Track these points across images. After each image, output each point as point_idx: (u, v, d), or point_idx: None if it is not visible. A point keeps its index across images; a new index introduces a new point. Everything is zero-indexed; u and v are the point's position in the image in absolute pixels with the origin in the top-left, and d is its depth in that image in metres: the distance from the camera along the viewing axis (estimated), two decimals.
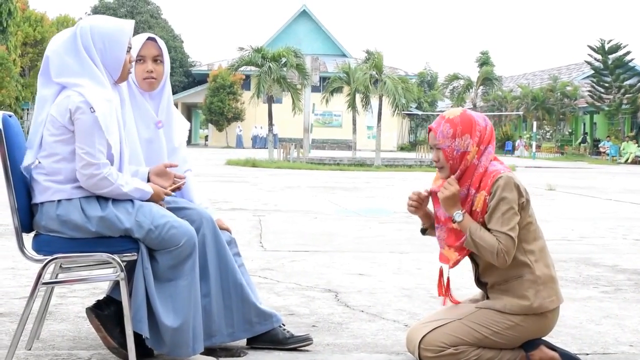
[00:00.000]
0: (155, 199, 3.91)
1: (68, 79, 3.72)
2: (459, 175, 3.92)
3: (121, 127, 3.86)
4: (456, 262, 3.99)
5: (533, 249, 3.88)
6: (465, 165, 3.90)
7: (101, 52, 3.79)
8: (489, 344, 3.86)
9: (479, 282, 4.05)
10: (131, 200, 3.83)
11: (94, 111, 3.63)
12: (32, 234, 3.86)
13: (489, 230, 3.81)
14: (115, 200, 3.78)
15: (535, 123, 53.77)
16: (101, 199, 3.77)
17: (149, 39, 4.24)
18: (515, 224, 3.78)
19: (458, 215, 3.88)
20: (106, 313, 3.97)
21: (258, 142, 61.26)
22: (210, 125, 65.04)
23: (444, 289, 4.18)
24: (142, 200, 3.86)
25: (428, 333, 3.91)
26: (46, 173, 3.74)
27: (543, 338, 4.04)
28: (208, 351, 4.05)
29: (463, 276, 5.57)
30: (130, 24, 3.92)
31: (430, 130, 4.00)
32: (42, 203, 3.75)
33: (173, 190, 4.03)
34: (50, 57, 3.79)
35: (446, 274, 4.15)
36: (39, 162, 3.75)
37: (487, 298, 4.02)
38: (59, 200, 3.73)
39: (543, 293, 3.84)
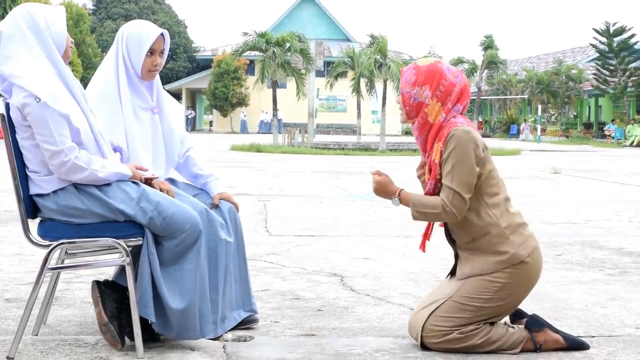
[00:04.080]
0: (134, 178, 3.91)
1: (7, 68, 3.68)
2: (425, 135, 3.93)
3: (85, 108, 3.83)
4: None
5: (497, 202, 3.87)
6: (426, 120, 3.90)
7: (45, 28, 3.76)
8: (488, 313, 3.85)
9: (450, 239, 4.05)
10: (135, 185, 3.83)
11: (39, 100, 3.59)
12: (37, 220, 3.87)
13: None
14: (116, 185, 3.78)
15: (540, 106, 53.67)
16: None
17: (162, 34, 4.23)
18: (466, 179, 3.77)
19: (395, 201, 3.97)
20: (110, 291, 3.95)
21: (263, 127, 61.24)
22: (214, 110, 65.04)
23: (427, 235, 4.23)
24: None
25: (427, 319, 3.91)
26: (32, 171, 3.75)
27: (548, 321, 4.05)
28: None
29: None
30: (63, 10, 3.91)
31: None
32: (40, 195, 3.76)
33: (148, 180, 4.01)
34: None
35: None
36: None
37: (457, 257, 4.02)
38: (54, 191, 3.73)
39: (515, 241, 3.84)
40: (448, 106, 3.87)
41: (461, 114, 3.93)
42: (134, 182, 3.86)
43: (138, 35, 4.17)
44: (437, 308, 3.92)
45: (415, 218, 3.92)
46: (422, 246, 4.26)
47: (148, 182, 3.98)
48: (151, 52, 4.18)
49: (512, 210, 3.92)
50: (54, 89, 3.66)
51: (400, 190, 3.96)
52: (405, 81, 3.94)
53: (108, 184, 3.78)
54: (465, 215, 3.85)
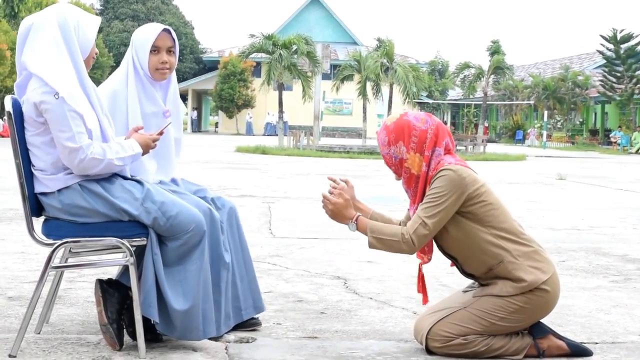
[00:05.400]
0: (145, 150, 3.92)
1: (30, 58, 3.70)
2: (414, 187, 3.94)
3: (99, 112, 3.84)
4: (426, 260, 4.09)
5: (502, 233, 3.87)
6: (410, 173, 3.92)
7: (75, 29, 3.78)
8: (498, 330, 3.86)
9: (465, 273, 4.05)
10: (140, 185, 3.83)
11: (58, 96, 3.60)
12: (42, 219, 3.87)
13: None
14: (120, 185, 3.79)
15: (546, 112, 53.54)
16: (101, 180, 3.77)
17: (164, 30, 4.21)
18: (438, 215, 3.77)
19: (351, 226, 3.94)
20: (112, 290, 3.95)
21: (269, 129, 61.24)
22: (220, 112, 65.10)
23: (421, 286, 4.22)
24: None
25: (435, 324, 3.91)
26: (37, 169, 3.74)
27: (551, 327, 4.05)
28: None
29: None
30: (99, 20, 3.94)
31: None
32: (45, 194, 3.76)
33: (159, 134, 4.01)
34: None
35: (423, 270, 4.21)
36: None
37: (480, 285, 4.03)
38: (59, 190, 3.73)
39: (531, 268, 3.84)
40: (426, 154, 3.88)
41: (449, 153, 3.93)
42: (138, 182, 3.87)
43: (143, 34, 4.20)
44: (449, 315, 3.92)
45: (371, 245, 3.89)
46: (425, 299, 4.26)
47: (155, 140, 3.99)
48: (156, 49, 4.18)
49: (524, 237, 3.92)
50: (72, 87, 3.67)
51: (357, 216, 3.94)
52: (381, 144, 3.98)
53: (112, 183, 3.78)
54: (474, 248, 3.86)
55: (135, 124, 4.11)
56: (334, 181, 4.04)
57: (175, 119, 4.37)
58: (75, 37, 3.78)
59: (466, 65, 46.40)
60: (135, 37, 4.23)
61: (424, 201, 3.82)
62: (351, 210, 3.96)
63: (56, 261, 3.85)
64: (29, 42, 3.73)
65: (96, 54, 3.96)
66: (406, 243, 3.80)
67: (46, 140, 3.70)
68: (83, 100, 3.72)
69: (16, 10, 42.86)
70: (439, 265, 6.24)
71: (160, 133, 4.02)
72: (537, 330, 3.94)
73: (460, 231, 3.85)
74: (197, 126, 67.40)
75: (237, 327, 4.27)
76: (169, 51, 4.22)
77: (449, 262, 4.17)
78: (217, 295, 4.03)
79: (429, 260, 4.10)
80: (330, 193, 3.99)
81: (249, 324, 4.32)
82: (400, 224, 4.13)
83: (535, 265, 3.86)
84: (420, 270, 4.20)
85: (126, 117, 4.16)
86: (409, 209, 4.07)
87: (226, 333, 4.16)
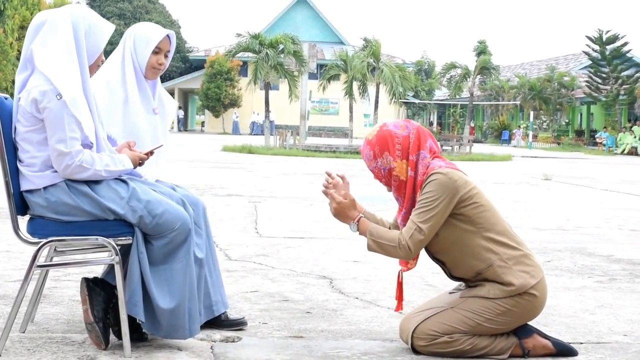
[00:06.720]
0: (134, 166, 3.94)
1: (39, 52, 3.69)
2: (403, 194, 3.97)
3: (96, 118, 3.83)
4: (410, 267, 4.13)
5: (494, 236, 3.89)
6: (399, 180, 3.94)
7: (86, 33, 3.80)
8: (483, 331, 3.87)
9: (453, 277, 4.07)
10: (125, 184, 3.82)
11: (61, 97, 3.60)
12: (27, 217, 3.86)
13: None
14: (106, 184, 3.78)
15: (532, 113, 53.70)
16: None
17: (169, 35, 4.37)
18: (432, 220, 3.79)
19: (352, 227, 3.99)
20: (98, 289, 3.94)
21: (255, 128, 61.20)
22: (206, 111, 64.99)
23: (398, 293, 4.25)
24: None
25: (421, 323, 3.92)
26: (25, 165, 3.73)
27: (537, 327, 4.06)
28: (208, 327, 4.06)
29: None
30: (112, 28, 3.96)
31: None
32: (30, 192, 3.74)
33: (148, 154, 4.03)
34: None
35: (401, 278, 4.23)
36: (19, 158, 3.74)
37: (467, 286, 4.04)
38: (45, 188, 3.72)
39: (519, 272, 3.85)
40: (411, 158, 3.90)
41: (437, 156, 3.95)
42: (123, 181, 3.86)
43: (146, 33, 4.31)
44: (435, 314, 3.93)
45: (369, 248, 3.93)
46: (399, 307, 4.28)
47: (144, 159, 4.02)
48: (157, 50, 4.30)
49: (515, 240, 3.95)
50: (76, 90, 3.67)
51: (360, 217, 3.99)
52: (367, 159, 4.01)
53: (98, 182, 3.77)
54: (465, 251, 3.87)
55: (137, 119, 4.20)
56: (330, 175, 4.06)
57: (162, 114, 4.46)
58: (84, 41, 3.79)
59: (452, 66, 46.45)
60: (136, 34, 4.32)
61: (416, 206, 3.84)
62: (355, 211, 4.01)
63: (41, 260, 3.84)
64: (40, 37, 3.74)
65: (102, 61, 3.96)
66: (403, 249, 3.83)
67: (41, 139, 3.69)
68: (84, 106, 3.72)
69: (1, 8, 42.63)
70: (425, 265, 6.25)
71: (150, 153, 4.05)
72: (522, 330, 3.95)
73: (452, 234, 3.86)
74: (183, 125, 67.21)
75: (223, 326, 4.27)
76: (166, 54, 4.37)
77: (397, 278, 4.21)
78: (198, 293, 4.04)
79: (414, 266, 4.13)
80: (325, 187, 4.02)
81: (235, 324, 4.32)
82: (390, 227, 4.14)
83: (524, 270, 3.87)
84: (399, 277, 4.23)
85: (120, 109, 4.20)
86: (397, 215, 4.08)
87: (212, 332, 4.15)
